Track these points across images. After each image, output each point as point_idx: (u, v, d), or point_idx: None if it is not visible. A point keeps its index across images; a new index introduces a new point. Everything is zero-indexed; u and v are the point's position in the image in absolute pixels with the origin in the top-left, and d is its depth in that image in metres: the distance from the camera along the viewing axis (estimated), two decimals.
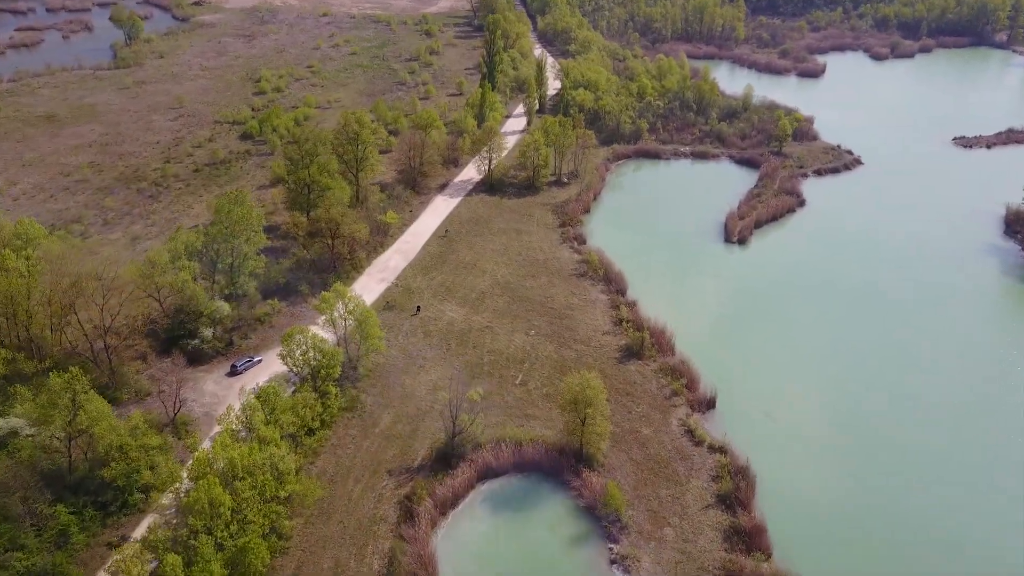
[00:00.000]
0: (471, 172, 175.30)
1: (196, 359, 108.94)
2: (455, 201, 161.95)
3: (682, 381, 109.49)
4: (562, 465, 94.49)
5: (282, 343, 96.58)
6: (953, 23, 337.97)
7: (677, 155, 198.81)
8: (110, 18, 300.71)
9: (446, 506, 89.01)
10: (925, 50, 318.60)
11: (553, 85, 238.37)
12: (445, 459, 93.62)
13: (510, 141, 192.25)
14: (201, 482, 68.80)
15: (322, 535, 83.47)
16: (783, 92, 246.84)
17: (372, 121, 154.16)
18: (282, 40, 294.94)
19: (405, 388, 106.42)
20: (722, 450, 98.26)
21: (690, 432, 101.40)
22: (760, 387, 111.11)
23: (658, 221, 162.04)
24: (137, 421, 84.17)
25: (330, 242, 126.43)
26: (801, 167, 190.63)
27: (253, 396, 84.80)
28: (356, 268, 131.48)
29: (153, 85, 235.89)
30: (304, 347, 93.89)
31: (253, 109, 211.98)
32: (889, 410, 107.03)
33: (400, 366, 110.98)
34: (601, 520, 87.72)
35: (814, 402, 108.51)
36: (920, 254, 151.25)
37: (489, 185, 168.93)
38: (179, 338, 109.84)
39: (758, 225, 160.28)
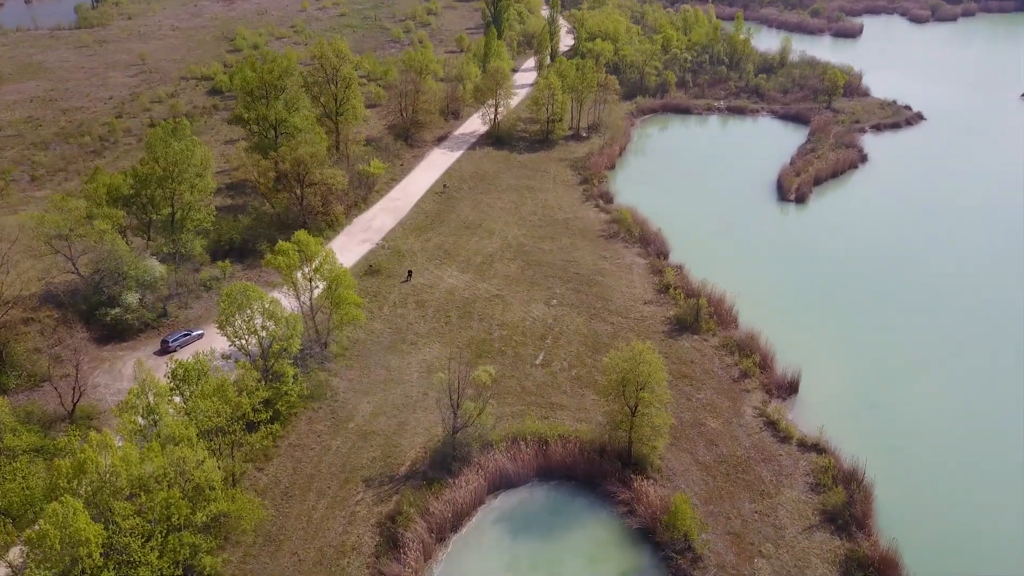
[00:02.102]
0: (474, 124, 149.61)
1: (118, 334, 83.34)
2: (455, 155, 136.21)
3: (754, 359, 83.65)
4: (604, 470, 68.88)
5: (219, 305, 70.93)
6: None
7: (710, 110, 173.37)
8: None
9: (444, 530, 63.45)
10: (968, 14, 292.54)
11: (565, 42, 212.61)
12: (443, 463, 67.98)
13: (516, 98, 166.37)
14: (54, 507, 43.12)
15: (267, 575, 57.91)
16: (819, 51, 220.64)
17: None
18: (264, 3, 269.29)
19: (391, 370, 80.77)
20: (819, 448, 72.48)
21: (772, 424, 75.62)
22: (850, 368, 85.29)
23: (696, 178, 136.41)
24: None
25: (298, 192, 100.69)
26: (857, 122, 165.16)
27: (167, 375, 59.15)
28: (332, 226, 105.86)
29: (115, 44, 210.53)
30: (249, 312, 68.18)
31: (226, 65, 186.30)
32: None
33: (385, 342, 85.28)
34: (663, 548, 62.05)
35: (925, 387, 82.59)
36: (1008, 215, 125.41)
37: (496, 138, 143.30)
38: (99, 307, 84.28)
39: (817, 182, 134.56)
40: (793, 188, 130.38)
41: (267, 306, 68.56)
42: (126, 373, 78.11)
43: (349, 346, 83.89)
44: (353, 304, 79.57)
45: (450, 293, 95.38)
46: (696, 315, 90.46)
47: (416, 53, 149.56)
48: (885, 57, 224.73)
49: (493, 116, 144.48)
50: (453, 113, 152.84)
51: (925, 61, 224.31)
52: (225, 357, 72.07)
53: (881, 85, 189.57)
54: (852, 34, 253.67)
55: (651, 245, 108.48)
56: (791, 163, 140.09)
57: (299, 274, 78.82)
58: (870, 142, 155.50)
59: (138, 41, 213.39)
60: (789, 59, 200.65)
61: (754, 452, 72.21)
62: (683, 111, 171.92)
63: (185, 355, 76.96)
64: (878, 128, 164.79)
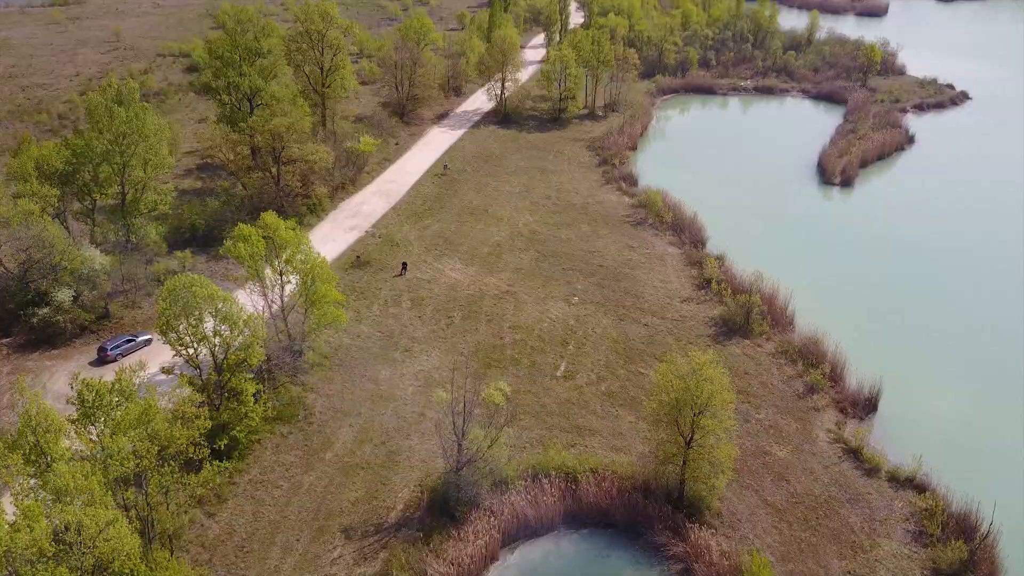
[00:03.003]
0: (478, 101, 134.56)
1: (48, 339, 68.42)
2: (457, 134, 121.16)
3: (822, 369, 68.80)
4: (649, 515, 53.96)
5: (158, 304, 55.91)
6: None
7: (736, 90, 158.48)
8: None
9: None
10: None
11: (574, 20, 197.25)
12: (445, 507, 53.10)
13: (525, 73, 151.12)
14: None
15: None
16: (844, 30, 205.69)
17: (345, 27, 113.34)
18: None
19: (380, 384, 65.87)
20: (917, 484, 57.64)
21: (853, 453, 60.71)
22: (939, 379, 70.56)
23: (727, 161, 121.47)
24: None
25: (273, 170, 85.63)
26: (897, 101, 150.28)
27: (72, 397, 44.08)
28: (314, 210, 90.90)
29: (90, 21, 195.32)
30: (196, 313, 53.12)
31: (208, 42, 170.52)
32: None
33: (373, 350, 70.39)
34: None
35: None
36: None
37: (502, 116, 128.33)
38: (26, 306, 69.38)
39: (863, 164, 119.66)
40: (838, 171, 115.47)
41: (220, 306, 53.50)
42: (54, 389, 63.14)
43: (329, 354, 69.03)
44: (333, 302, 64.68)
45: (452, 289, 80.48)
46: (747, 315, 75.56)
47: (413, 20, 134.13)
48: (914, 35, 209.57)
49: (499, 92, 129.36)
50: (454, 89, 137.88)
51: (957, 39, 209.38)
52: (167, 371, 57.01)
53: (916, 63, 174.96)
54: (877, 13, 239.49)
55: (685, 233, 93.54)
56: (831, 144, 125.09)
57: (267, 266, 63.92)
58: (914, 123, 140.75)
59: (114, 18, 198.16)
60: (816, 37, 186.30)
61: (836, 489, 57.31)
62: (706, 91, 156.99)
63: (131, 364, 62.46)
64: (920, 108, 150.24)
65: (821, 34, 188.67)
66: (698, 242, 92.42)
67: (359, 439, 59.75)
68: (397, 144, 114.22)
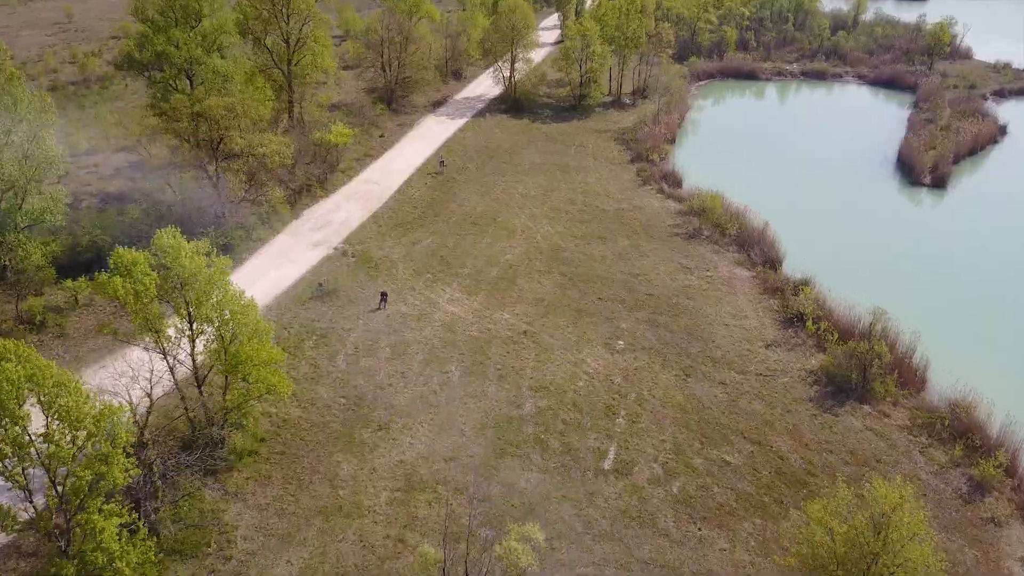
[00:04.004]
0: (482, 87, 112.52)
1: None
2: (457, 124, 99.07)
3: (997, 459, 46.51)
4: None
5: None
6: None
7: (780, 75, 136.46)
8: None
9: None
10: None
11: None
12: None
13: (538, 53, 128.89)
14: None
15: None
16: (887, 10, 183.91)
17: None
18: None
19: (339, 487, 43.72)
20: None
21: None
22: None
23: (785, 156, 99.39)
24: None
25: (213, 165, 63.50)
26: (972, 87, 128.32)
27: None
28: (267, 221, 68.72)
29: (43, 3, 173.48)
30: (11, 408, 31.20)
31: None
32: None
33: (333, 427, 48.22)
34: None
35: None
36: None
37: (512, 103, 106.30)
38: None
39: (955, 160, 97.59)
40: (927, 168, 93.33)
41: (50, 394, 31.35)
42: None
43: (267, 435, 46.92)
44: (267, 364, 42.61)
45: (449, 330, 58.37)
46: (864, 371, 53.39)
47: None
48: (965, 18, 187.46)
49: (509, 73, 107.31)
50: (454, 73, 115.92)
51: (1012, 21, 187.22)
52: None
53: (982, 47, 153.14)
54: None
55: (755, 249, 71.44)
56: (911, 137, 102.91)
57: (167, 323, 41.96)
58: (1000, 112, 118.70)
59: (72, 0, 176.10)
60: (862, 18, 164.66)
61: None
62: (747, 76, 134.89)
63: None
64: (1000, 95, 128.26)
65: (867, 15, 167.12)
66: (772, 261, 70.32)
67: None
68: (382, 136, 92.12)
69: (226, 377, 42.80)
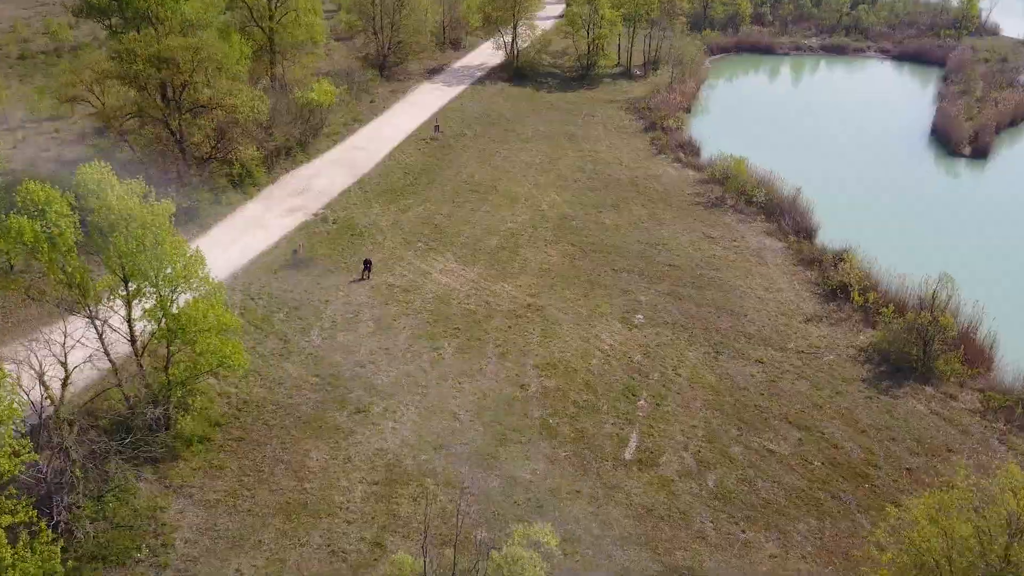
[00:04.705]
0: (482, 56, 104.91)
1: None
2: (454, 91, 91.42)
3: None
4: None
5: None
6: None
7: (799, 50, 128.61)
8: None
9: None
10: None
11: None
12: None
13: (542, 21, 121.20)
14: None
15: None
16: None
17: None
18: None
19: (305, 480, 36.13)
20: None
21: None
22: None
23: (809, 129, 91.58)
24: None
25: (174, 122, 55.83)
26: (1004, 60, 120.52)
27: None
28: (240, 185, 61.17)
29: None
30: None
31: None
32: None
33: (303, 409, 40.62)
34: None
35: None
36: None
37: (515, 71, 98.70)
38: None
39: (997, 131, 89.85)
40: (965, 138, 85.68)
41: None
42: None
43: (223, 420, 39.34)
44: (219, 332, 35.09)
45: (442, 301, 50.77)
46: (925, 347, 45.71)
47: None
48: None
49: (511, 40, 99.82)
50: (452, 43, 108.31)
51: None
52: None
53: (1008, 22, 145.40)
54: None
55: (785, 218, 63.78)
56: (945, 105, 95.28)
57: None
58: None
59: None
60: None
61: None
62: (763, 50, 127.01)
63: None
64: None
65: None
66: (806, 231, 62.64)
67: None
68: (372, 103, 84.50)
69: (168, 345, 35.18)
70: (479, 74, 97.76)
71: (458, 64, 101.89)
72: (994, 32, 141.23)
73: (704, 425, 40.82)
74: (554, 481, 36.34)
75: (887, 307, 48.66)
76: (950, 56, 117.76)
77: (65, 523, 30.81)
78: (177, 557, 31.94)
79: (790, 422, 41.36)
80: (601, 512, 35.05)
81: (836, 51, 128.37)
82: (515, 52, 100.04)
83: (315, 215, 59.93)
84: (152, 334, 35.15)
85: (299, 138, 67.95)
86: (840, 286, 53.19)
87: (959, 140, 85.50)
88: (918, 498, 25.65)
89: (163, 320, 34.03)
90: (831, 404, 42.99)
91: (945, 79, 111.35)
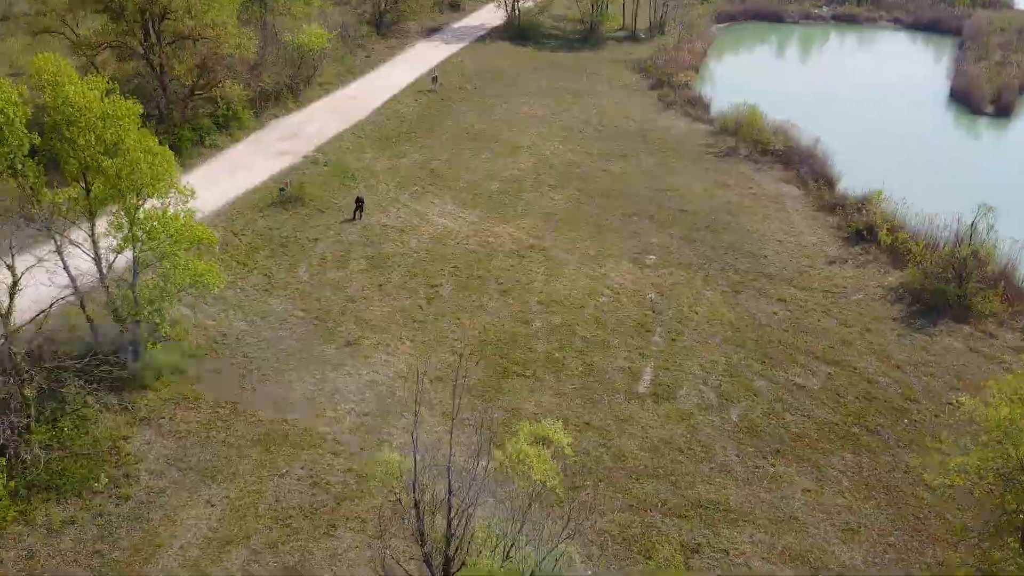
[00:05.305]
0: (482, 17, 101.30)
1: None
2: (452, 48, 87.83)
3: None
4: None
5: None
6: None
7: (809, 18, 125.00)
8: None
9: None
10: None
11: None
12: None
13: None
14: None
15: None
16: None
17: None
18: None
19: (287, 411, 32.65)
20: None
21: None
22: None
23: (824, 90, 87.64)
24: None
25: (153, 54, 52.35)
26: (1021, 31, 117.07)
27: None
28: (226, 126, 57.63)
29: None
30: None
31: None
32: None
33: (288, 342, 37.15)
34: None
35: None
36: None
37: (516, 31, 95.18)
38: None
39: (1021, 90, 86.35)
40: (987, 97, 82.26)
41: None
42: None
43: (202, 350, 35.90)
44: (191, 242, 31.71)
45: (439, 242, 47.31)
46: (961, 284, 42.27)
47: None
48: None
49: (514, 3, 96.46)
50: (451, 4, 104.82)
51: None
52: None
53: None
54: None
55: (804, 166, 60.25)
56: (965, 66, 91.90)
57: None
58: None
59: None
60: None
61: None
62: (772, 19, 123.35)
63: None
64: None
65: None
66: (825, 179, 59.08)
67: (222, 537, 26.61)
68: (368, 57, 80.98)
69: (134, 258, 31.73)
70: (479, 33, 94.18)
71: (457, 24, 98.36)
72: (1009, 6, 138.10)
73: (725, 360, 37.36)
74: (561, 413, 32.85)
75: (918, 243, 45.15)
76: (966, 24, 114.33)
77: (14, 447, 27.37)
78: (141, 488, 28.51)
79: (818, 357, 37.92)
80: (613, 445, 31.60)
81: (848, 20, 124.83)
82: (517, 12, 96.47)
83: (305, 157, 56.42)
84: (115, 248, 31.62)
85: (289, 84, 64.43)
86: (866, 227, 49.72)
87: (980, 99, 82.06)
88: (995, 382, 22.26)
89: (127, 227, 30.52)
90: (861, 340, 39.54)
91: (961, 46, 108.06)
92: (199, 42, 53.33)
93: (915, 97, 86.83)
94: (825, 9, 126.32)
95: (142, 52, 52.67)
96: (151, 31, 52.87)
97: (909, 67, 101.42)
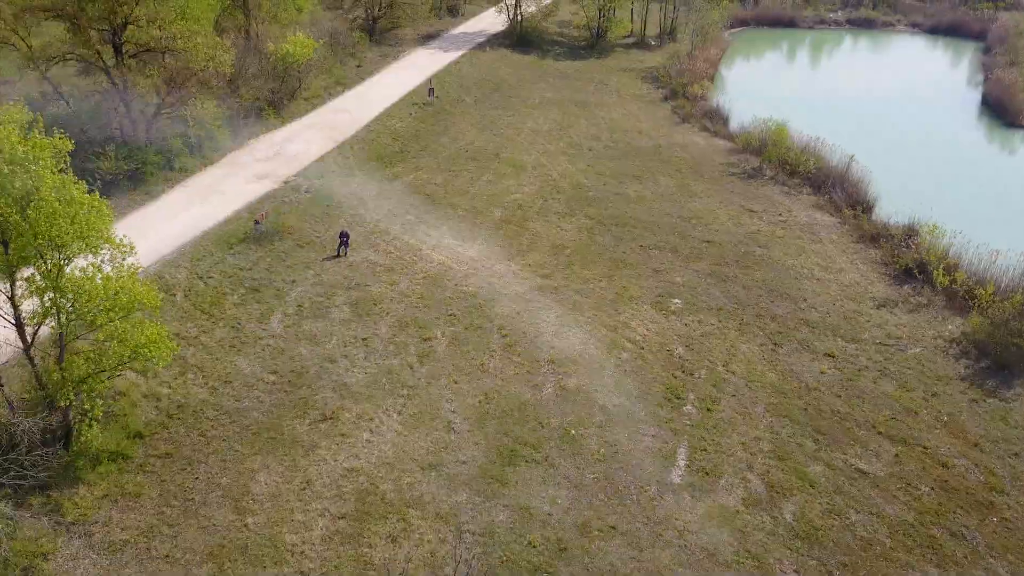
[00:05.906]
0: (483, 23, 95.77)
1: None
2: (451, 56, 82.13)
3: None
4: None
5: None
6: None
7: (824, 23, 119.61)
8: None
9: None
10: None
11: None
12: None
13: None
14: None
15: None
16: None
17: None
18: None
19: (246, 513, 26.79)
20: None
21: None
22: None
23: (846, 102, 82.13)
24: None
25: (115, 65, 46.50)
26: None
27: None
28: (198, 149, 51.80)
29: None
30: None
31: None
32: None
33: (252, 416, 31.32)
34: None
35: None
36: None
37: (518, 38, 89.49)
38: None
39: None
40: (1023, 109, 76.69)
41: None
42: None
43: (147, 430, 30.11)
44: (130, 311, 25.88)
45: (435, 283, 41.49)
46: None
47: None
48: None
49: (514, 3, 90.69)
50: (450, 10, 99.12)
51: None
52: None
53: None
54: None
55: (837, 190, 54.53)
56: (997, 74, 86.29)
57: None
58: None
59: None
60: None
61: None
62: (785, 24, 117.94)
63: None
64: None
65: None
66: (862, 204, 53.35)
67: None
68: (359, 67, 75.20)
69: (61, 333, 25.92)
70: (479, 40, 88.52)
71: (456, 31, 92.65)
72: None
73: (770, 436, 31.62)
74: (581, 515, 27.13)
75: (986, 288, 39.42)
76: (991, 29, 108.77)
77: None
78: None
79: (880, 432, 32.19)
80: (646, 559, 25.82)
81: (863, 25, 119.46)
82: (519, 17, 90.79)
83: (285, 182, 50.62)
84: (33, 319, 25.82)
85: (271, 98, 58.60)
86: (916, 264, 43.99)
87: (1017, 110, 76.42)
88: None
89: (48, 294, 24.74)
90: (928, 409, 33.80)
91: (987, 51, 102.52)
92: (167, 55, 47.42)
93: (944, 105, 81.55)
94: (839, 14, 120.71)
95: (102, 66, 46.75)
96: (113, 42, 47.01)
97: (933, 74, 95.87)
